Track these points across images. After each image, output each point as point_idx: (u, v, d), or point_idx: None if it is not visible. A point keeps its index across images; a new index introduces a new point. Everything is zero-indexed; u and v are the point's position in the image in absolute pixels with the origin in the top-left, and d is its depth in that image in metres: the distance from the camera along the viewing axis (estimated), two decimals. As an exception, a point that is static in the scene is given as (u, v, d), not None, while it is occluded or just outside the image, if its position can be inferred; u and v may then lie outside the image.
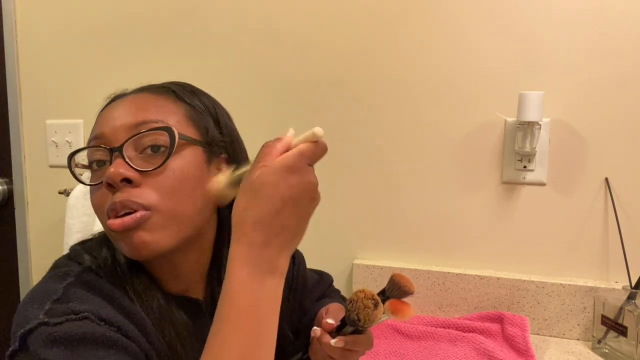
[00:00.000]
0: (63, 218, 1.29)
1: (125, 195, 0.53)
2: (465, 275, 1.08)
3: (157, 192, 0.54)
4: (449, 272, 1.09)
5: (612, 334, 0.95)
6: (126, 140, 0.55)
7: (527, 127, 1.01)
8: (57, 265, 0.58)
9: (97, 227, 1.11)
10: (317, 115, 1.18)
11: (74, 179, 0.62)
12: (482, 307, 1.07)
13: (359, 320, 0.57)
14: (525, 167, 1.05)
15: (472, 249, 1.11)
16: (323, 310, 0.72)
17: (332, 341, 0.61)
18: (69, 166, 0.61)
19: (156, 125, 0.56)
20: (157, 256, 0.55)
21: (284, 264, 0.48)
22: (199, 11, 1.24)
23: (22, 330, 0.47)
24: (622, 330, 0.92)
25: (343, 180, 1.17)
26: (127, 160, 0.54)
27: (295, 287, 0.78)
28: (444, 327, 1.03)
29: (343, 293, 0.92)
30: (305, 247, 0.80)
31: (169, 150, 0.55)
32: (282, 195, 0.46)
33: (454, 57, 1.08)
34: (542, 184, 1.06)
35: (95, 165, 0.58)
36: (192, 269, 0.61)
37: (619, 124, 1.01)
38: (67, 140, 1.38)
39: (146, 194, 0.53)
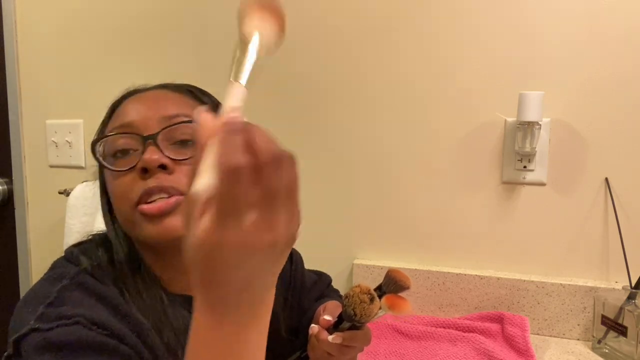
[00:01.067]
0: (63, 218, 1.29)
1: (160, 180, 0.54)
2: (465, 275, 1.08)
3: (191, 180, 0.54)
4: (449, 272, 1.09)
5: (612, 334, 0.95)
6: (161, 130, 0.56)
7: (527, 127, 1.01)
8: (54, 267, 0.58)
9: (97, 227, 1.11)
10: (316, 115, 1.18)
11: (98, 168, 0.61)
12: (482, 307, 1.07)
13: (355, 315, 0.57)
14: (525, 167, 1.05)
15: (472, 249, 1.11)
16: (321, 307, 0.72)
17: (330, 337, 0.61)
18: (94, 153, 0.60)
19: (187, 119, 0.57)
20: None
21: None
22: (199, 11, 1.24)
23: (15, 336, 0.48)
24: (622, 330, 0.92)
25: (343, 180, 1.17)
26: (161, 148, 0.55)
27: (293, 287, 0.78)
28: (444, 327, 1.03)
29: (342, 293, 0.92)
30: (305, 247, 0.80)
31: None
32: None
33: (454, 57, 1.08)
34: (542, 184, 1.06)
35: (120, 154, 0.58)
36: None
37: (619, 124, 1.01)
38: (67, 140, 1.38)
39: (182, 181, 0.55)
